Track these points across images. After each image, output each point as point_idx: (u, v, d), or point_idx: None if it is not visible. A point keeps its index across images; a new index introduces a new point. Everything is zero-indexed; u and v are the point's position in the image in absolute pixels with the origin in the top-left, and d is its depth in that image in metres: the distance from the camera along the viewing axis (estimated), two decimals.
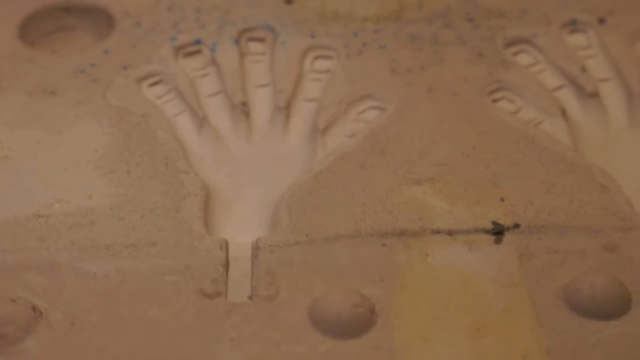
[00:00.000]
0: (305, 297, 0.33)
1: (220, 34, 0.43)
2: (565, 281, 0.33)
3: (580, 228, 0.35)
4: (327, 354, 0.31)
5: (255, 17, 0.44)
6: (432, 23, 0.44)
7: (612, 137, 0.40)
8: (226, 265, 0.34)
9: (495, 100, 0.40)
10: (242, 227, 0.36)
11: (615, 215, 0.35)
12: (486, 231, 0.35)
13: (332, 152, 0.38)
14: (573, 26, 0.44)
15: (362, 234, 0.35)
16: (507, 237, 0.35)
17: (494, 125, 0.39)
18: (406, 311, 0.32)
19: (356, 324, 0.32)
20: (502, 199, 0.36)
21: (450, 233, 0.35)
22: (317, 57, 0.43)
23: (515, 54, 0.43)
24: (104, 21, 0.44)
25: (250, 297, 0.33)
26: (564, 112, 0.40)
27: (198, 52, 0.43)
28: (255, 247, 0.35)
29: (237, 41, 0.43)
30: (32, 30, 0.44)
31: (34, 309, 0.32)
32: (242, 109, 0.40)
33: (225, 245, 0.34)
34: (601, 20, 0.44)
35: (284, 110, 0.40)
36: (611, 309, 0.32)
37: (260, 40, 0.43)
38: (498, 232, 0.35)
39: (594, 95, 0.41)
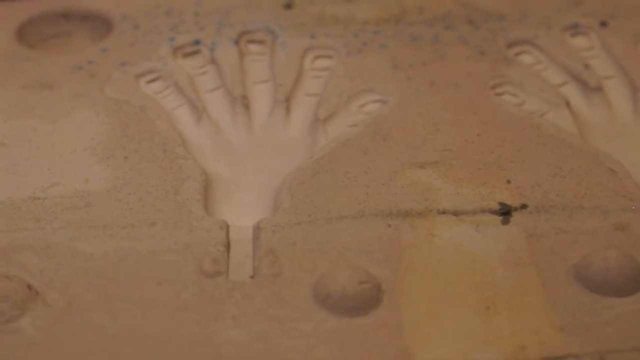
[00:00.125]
0: (309, 276, 0.32)
1: (219, 35, 0.43)
2: (576, 260, 0.32)
3: (589, 209, 0.34)
4: (333, 331, 0.30)
5: (255, 20, 0.43)
6: (432, 26, 0.43)
7: (618, 130, 0.39)
8: (227, 246, 0.33)
9: (498, 94, 0.40)
10: (242, 212, 0.35)
11: (625, 196, 0.34)
12: (493, 212, 0.34)
13: (334, 139, 0.37)
14: (575, 29, 0.43)
15: (366, 214, 0.34)
16: (515, 217, 0.34)
17: (498, 115, 0.38)
18: (413, 289, 0.31)
19: (362, 301, 0.31)
20: (509, 181, 0.35)
21: (456, 214, 0.34)
22: (317, 57, 0.42)
23: (517, 54, 0.42)
24: (102, 27, 0.44)
25: (252, 277, 0.32)
26: (568, 104, 0.39)
27: (197, 52, 0.42)
28: (257, 228, 0.34)
29: (236, 42, 0.42)
30: (29, 35, 0.44)
31: (29, 287, 0.31)
32: (242, 102, 0.39)
33: (225, 226, 0.34)
34: (603, 24, 0.44)
35: (284, 103, 0.40)
36: (625, 284, 0.31)
37: (260, 42, 0.43)
38: (505, 212, 0.34)
39: (598, 89, 0.40)
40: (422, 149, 0.37)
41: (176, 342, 0.30)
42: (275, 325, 0.30)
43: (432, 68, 0.41)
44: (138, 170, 0.36)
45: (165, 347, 0.30)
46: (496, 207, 0.34)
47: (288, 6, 0.45)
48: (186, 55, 0.42)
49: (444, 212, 0.34)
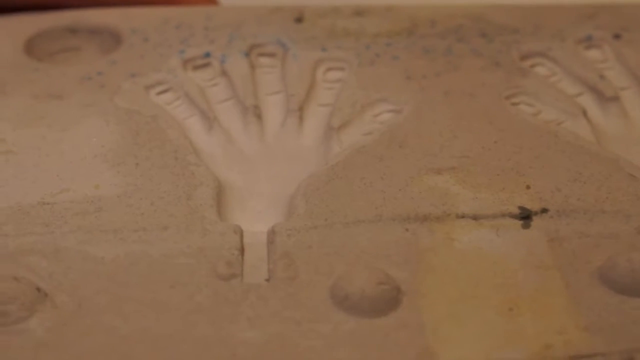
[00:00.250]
0: (326, 279, 0.31)
1: (230, 48, 0.42)
2: (600, 263, 0.31)
3: (611, 212, 0.33)
4: (352, 332, 0.29)
5: (265, 34, 0.43)
6: (445, 38, 0.43)
7: (636, 139, 0.38)
8: (241, 249, 0.32)
9: (514, 104, 0.39)
10: (256, 219, 0.35)
11: None
12: (513, 216, 0.33)
13: (349, 147, 0.37)
14: (588, 42, 0.43)
15: (384, 218, 0.33)
16: (535, 221, 0.33)
17: (514, 123, 0.38)
18: (433, 291, 0.31)
19: (381, 302, 0.30)
20: (528, 187, 0.34)
21: (475, 218, 0.33)
22: (328, 69, 0.42)
23: (532, 66, 0.42)
24: (111, 41, 0.43)
25: (267, 280, 0.31)
26: (585, 114, 0.39)
27: (207, 64, 0.42)
28: (271, 233, 0.33)
29: (247, 54, 0.42)
30: (37, 50, 0.43)
31: (38, 289, 0.30)
32: (254, 111, 0.39)
33: (239, 231, 0.33)
34: (616, 36, 0.43)
35: (297, 112, 0.39)
36: None
37: (271, 55, 0.42)
38: (525, 216, 0.33)
39: (615, 99, 0.40)
40: (438, 156, 0.36)
41: (189, 343, 0.29)
42: (292, 326, 0.29)
43: (445, 79, 0.40)
44: (149, 177, 0.35)
45: (178, 348, 0.29)
46: (516, 211, 0.33)
47: (298, 20, 0.44)
48: (196, 67, 0.42)
49: (462, 217, 0.33)
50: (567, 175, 0.35)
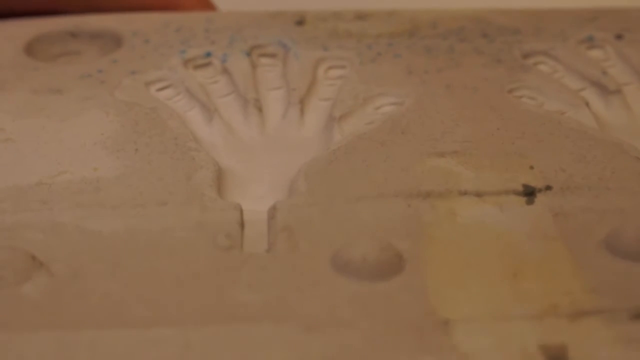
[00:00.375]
0: (327, 249, 0.30)
1: (231, 48, 0.42)
2: (606, 234, 0.31)
3: (616, 189, 0.33)
4: (353, 295, 0.29)
5: (266, 35, 0.43)
6: (447, 38, 0.43)
7: (638, 134, 0.38)
8: (241, 224, 0.32)
9: (516, 97, 0.39)
10: (257, 202, 0.34)
11: None
12: (517, 193, 0.33)
13: (350, 134, 0.36)
14: (590, 42, 0.43)
15: (386, 195, 0.33)
16: (540, 198, 0.33)
17: (517, 113, 0.37)
18: (437, 259, 0.30)
19: (384, 267, 0.29)
20: (532, 167, 0.34)
21: (478, 195, 0.33)
22: (330, 67, 0.41)
23: (534, 65, 0.42)
24: (112, 44, 0.43)
25: (267, 251, 0.31)
26: (588, 105, 0.39)
27: (208, 64, 0.41)
28: (272, 209, 0.32)
29: (248, 54, 0.42)
30: (37, 53, 0.43)
31: (33, 258, 0.30)
32: (255, 104, 0.39)
33: (239, 208, 0.32)
34: (619, 37, 0.43)
35: (298, 105, 0.39)
36: None
37: (272, 55, 0.42)
38: (529, 193, 0.33)
39: (618, 92, 0.40)
40: (441, 141, 0.36)
41: (186, 306, 0.28)
42: (293, 291, 0.29)
43: (447, 74, 0.40)
44: (149, 161, 0.35)
45: (175, 312, 0.28)
46: (520, 188, 0.33)
47: (300, 23, 0.44)
48: (197, 67, 0.41)
49: (465, 193, 0.33)
50: (571, 157, 0.35)
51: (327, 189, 0.33)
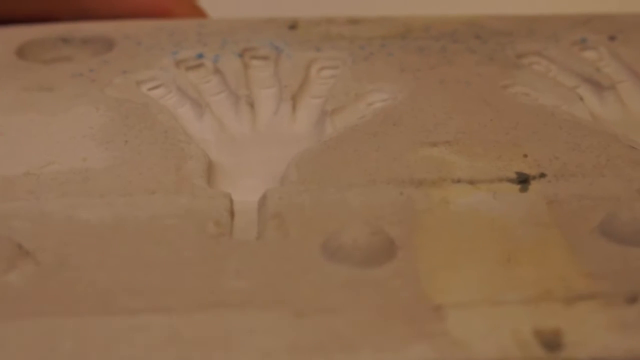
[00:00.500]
0: (318, 236, 0.30)
1: (223, 49, 0.42)
2: (600, 220, 0.30)
3: (611, 177, 0.32)
4: (344, 281, 0.28)
5: (258, 38, 0.43)
6: (439, 40, 0.43)
7: (633, 124, 0.38)
8: (231, 212, 0.31)
9: (510, 93, 0.39)
10: (248, 193, 0.34)
11: None
12: (510, 180, 0.32)
13: (342, 127, 0.36)
14: (583, 44, 0.43)
15: (378, 182, 0.32)
16: (533, 185, 0.32)
17: (511, 105, 0.37)
18: (429, 245, 0.30)
19: (375, 252, 0.29)
20: (525, 155, 0.34)
21: (472, 182, 0.32)
22: (322, 68, 0.41)
23: (528, 64, 0.41)
24: (103, 49, 0.43)
25: (257, 239, 0.30)
26: (582, 100, 0.38)
27: (200, 65, 0.41)
28: (263, 197, 0.32)
29: (240, 55, 0.42)
30: (29, 58, 0.43)
31: (19, 247, 0.29)
32: (246, 100, 0.38)
33: (229, 197, 0.32)
34: (612, 38, 0.43)
35: (290, 101, 0.38)
36: None
37: (264, 58, 0.42)
38: (523, 180, 0.32)
39: (611, 87, 0.39)
40: (434, 132, 0.35)
41: (174, 293, 0.28)
42: (283, 277, 0.28)
43: (440, 71, 0.40)
44: (138, 151, 0.34)
45: (162, 298, 0.27)
46: (513, 176, 0.33)
47: (292, 27, 0.44)
48: (189, 68, 0.41)
49: (458, 181, 0.32)
50: (565, 146, 0.34)
51: (318, 177, 0.33)
